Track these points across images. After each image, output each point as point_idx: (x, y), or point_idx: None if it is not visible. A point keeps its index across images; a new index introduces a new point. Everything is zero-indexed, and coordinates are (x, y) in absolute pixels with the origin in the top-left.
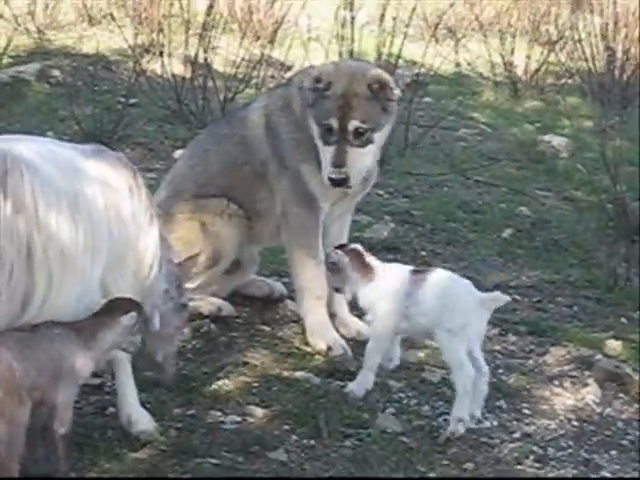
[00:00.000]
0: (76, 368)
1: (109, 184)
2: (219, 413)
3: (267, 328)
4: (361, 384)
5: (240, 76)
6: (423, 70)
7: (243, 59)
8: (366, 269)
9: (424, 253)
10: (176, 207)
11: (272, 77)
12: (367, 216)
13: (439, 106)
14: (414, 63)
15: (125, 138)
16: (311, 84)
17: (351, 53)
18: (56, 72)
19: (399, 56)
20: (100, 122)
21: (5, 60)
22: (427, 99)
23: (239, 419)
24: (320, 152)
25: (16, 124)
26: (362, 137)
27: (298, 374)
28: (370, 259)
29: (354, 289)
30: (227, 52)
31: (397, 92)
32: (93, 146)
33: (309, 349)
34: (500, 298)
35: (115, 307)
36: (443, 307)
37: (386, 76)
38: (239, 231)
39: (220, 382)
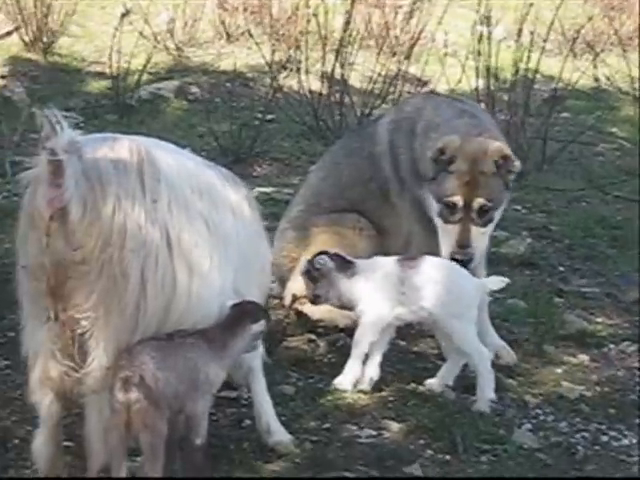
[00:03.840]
0: (210, 378)
1: (231, 187)
2: (354, 427)
3: (403, 343)
4: (348, 375)
5: (376, 92)
6: (561, 85)
7: (379, 75)
8: (348, 266)
9: (562, 269)
10: (310, 221)
11: (409, 93)
12: (504, 231)
13: (577, 121)
14: (552, 78)
15: (262, 154)
16: (435, 154)
17: (488, 69)
18: (194, 89)
19: (536, 71)
20: (238, 138)
21: (145, 77)
22: (565, 114)
23: (374, 433)
24: (439, 229)
25: None
26: (485, 216)
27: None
28: (350, 258)
29: (340, 290)
30: (364, 68)
31: (517, 164)
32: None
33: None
34: (497, 282)
35: (245, 314)
36: (447, 293)
37: (508, 149)
38: (372, 246)
39: (355, 396)
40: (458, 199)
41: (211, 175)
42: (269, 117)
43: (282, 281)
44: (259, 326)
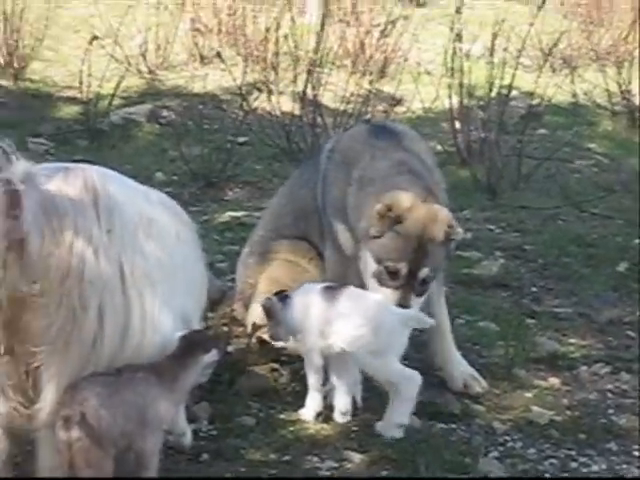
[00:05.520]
0: (161, 413)
1: (172, 212)
2: (316, 458)
3: None
4: (310, 407)
5: (350, 112)
6: (538, 101)
7: (352, 94)
8: (286, 300)
9: (535, 289)
10: (268, 246)
11: (384, 112)
12: (477, 252)
13: (554, 137)
14: (530, 94)
15: (234, 177)
16: (382, 210)
17: (461, 86)
18: (166, 112)
19: (510, 86)
20: (209, 162)
21: (116, 101)
22: (542, 130)
23: (336, 465)
24: (370, 289)
25: (126, 165)
26: (426, 285)
27: None
28: (292, 291)
29: (288, 327)
30: (337, 88)
31: (460, 231)
32: None
33: None
34: (421, 320)
35: (196, 345)
36: (363, 329)
37: (452, 216)
38: (323, 275)
39: (318, 426)
40: (403, 266)
41: (155, 202)
42: (241, 140)
43: (246, 306)
44: (211, 356)
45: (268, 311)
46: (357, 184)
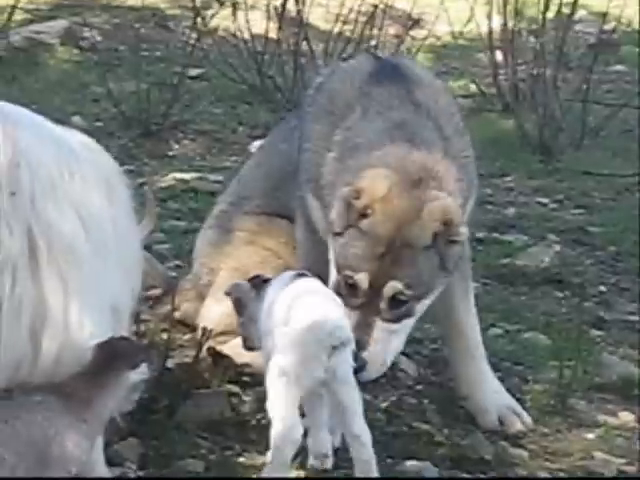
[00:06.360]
0: (68, 450)
1: (103, 162)
2: None
3: (367, 396)
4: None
5: (348, 35)
6: (613, 25)
7: (351, 11)
8: (263, 288)
9: (603, 289)
10: (236, 221)
11: (397, 37)
12: (522, 235)
13: (636, 77)
14: (602, 15)
15: (182, 124)
16: (347, 195)
17: (505, 2)
18: (89, 32)
19: (575, 4)
20: (147, 102)
21: (19, 16)
22: (618, 67)
23: None
24: None
25: (31, 105)
26: (400, 308)
27: (409, 464)
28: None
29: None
30: (331, 2)
31: (464, 231)
32: None
33: (426, 427)
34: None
35: (119, 357)
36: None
37: (455, 208)
38: None
39: (293, 474)
40: (363, 278)
41: (78, 151)
42: (194, 73)
43: (201, 299)
44: (140, 373)
45: (240, 302)
46: (338, 150)
